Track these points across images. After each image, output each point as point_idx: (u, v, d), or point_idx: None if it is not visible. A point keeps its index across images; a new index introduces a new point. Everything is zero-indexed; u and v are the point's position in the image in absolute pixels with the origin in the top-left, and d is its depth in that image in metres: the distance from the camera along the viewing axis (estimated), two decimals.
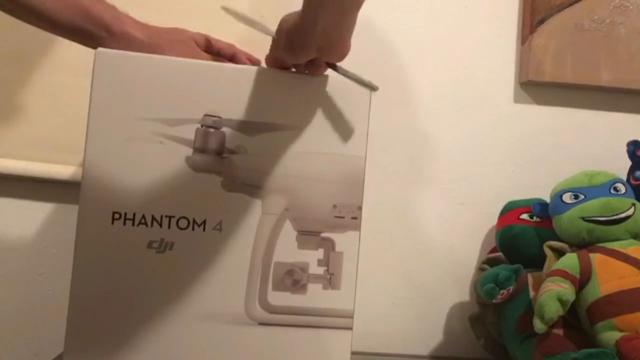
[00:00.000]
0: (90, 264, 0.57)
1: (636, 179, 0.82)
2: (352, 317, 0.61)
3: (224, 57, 0.69)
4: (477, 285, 0.81)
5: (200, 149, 0.59)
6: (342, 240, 0.61)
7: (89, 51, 0.60)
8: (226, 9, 0.59)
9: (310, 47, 0.56)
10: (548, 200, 0.84)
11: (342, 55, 0.58)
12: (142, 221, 0.58)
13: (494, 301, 0.76)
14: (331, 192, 0.60)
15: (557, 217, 0.80)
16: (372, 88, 0.60)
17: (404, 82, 0.95)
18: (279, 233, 0.59)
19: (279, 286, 0.59)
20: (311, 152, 0.60)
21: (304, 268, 0.60)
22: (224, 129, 0.59)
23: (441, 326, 0.94)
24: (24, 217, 0.90)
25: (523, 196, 0.91)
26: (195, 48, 0.67)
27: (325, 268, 0.60)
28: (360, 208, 0.61)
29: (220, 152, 0.59)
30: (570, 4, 0.94)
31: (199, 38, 0.68)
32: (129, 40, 0.62)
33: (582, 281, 0.73)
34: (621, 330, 0.69)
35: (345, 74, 0.60)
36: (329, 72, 0.61)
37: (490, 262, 0.87)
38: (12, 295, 0.89)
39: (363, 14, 0.98)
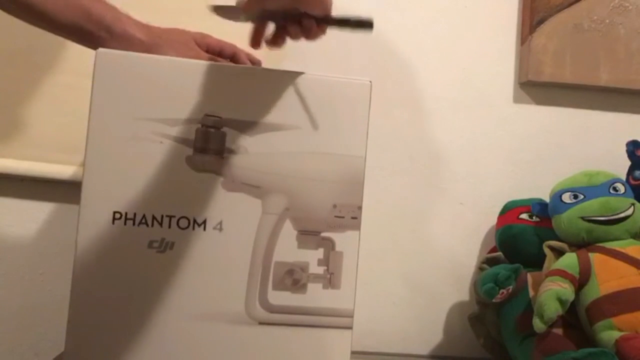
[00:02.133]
0: (91, 263, 0.57)
1: (635, 179, 0.82)
2: (352, 316, 0.61)
3: (224, 57, 0.69)
4: (477, 285, 0.81)
5: (200, 149, 0.59)
6: (342, 240, 0.61)
7: (89, 51, 0.60)
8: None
9: None
10: (547, 200, 0.84)
11: (320, 5, 0.56)
12: (143, 221, 0.58)
13: (493, 301, 0.76)
14: (331, 192, 0.60)
15: (557, 217, 0.80)
16: (369, 24, 0.59)
17: (404, 82, 0.95)
18: (279, 233, 0.59)
19: (279, 286, 0.59)
20: (311, 152, 0.60)
21: (304, 267, 0.60)
22: (224, 129, 0.59)
23: (441, 326, 0.94)
24: (24, 217, 0.90)
25: (523, 196, 0.91)
26: (195, 48, 0.67)
27: (325, 267, 0.60)
28: (360, 208, 0.61)
29: (221, 152, 0.59)
30: (570, 5, 0.94)
31: (199, 38, 0.68)
32: (129, 41, 0.62)
33: (581, 281, 0.73)
34: (621, 330, 0.69)
35: (342, 22, 0.59)
36: (328, 73, 0.61)
37: (490, 261, 0.87)
38: (13, 295, 0.89)
39: (363, 14, 0.98)
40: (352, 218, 0.61)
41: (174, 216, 0.58)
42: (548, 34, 0.94)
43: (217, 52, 0.69)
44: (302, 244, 0.60)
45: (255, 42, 0.61)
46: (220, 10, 0.59)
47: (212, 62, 0.61)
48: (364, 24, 0.60)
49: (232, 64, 0.68)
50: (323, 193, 0.60)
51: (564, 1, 0.94)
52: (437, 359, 0.92)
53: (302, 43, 0.92)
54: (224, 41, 0.70)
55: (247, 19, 0.59)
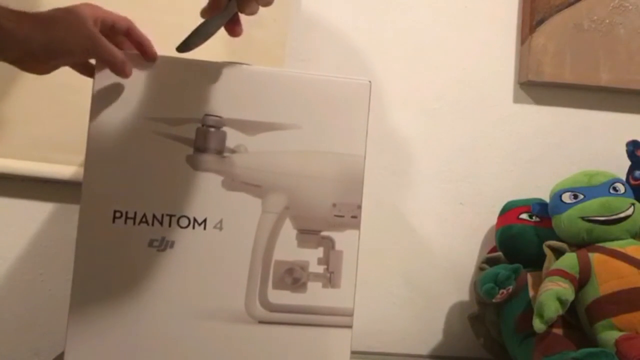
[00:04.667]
0: (91, 263, 0.57)
1: (635, 179, 0.82)
2: (351, 315, 0.61)
3: (117, 32, 0.62)
4: (477, 285, 0.81)
5: (201, 149, 0.59)
6: (342, 239, 0.61)
7: None
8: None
9: None
10: (547, 200, 0.84)
11: None
12: (143, 220, 0.58)
13: (493, 301, 0.77)
14: (331, 191, 0.61)
15: (557, 217, 0.80)
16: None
17: (404, 82, 0.95)
18: (279, 232, 0.60)
19: (279, 284, 0.59)
20: (311, 151, 0.60)
21: (304, 266, 0.60)
22: (225, 129, 0.59)
23: (441, 326, 0.94)
24: (24, 217, 0.90)
25: (523, 196, 0.91)
26: (88, 27, 0.58)
27: (325, 266, 0.60)
28: (359, 207, 0.61)
29: (221, 151, 0.59)
30: (570, 4, 0.94)
31: (91, 12, 0.60)
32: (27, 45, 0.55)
33: (581, 281, 0.73)
34: (620, 330, 0.69)
35: None
36: (328, 73, 0.61)
37: (490, 261, 0.87)
38: (13, 295, 0.89)
39: (363, 14, 0.98)
40: (352, 217, 0.61)
41: (174, 215, 0.58)
42: (548, 34, 0.94)
43: (109, 26, 0.61)
44: (302, 243, 0.60)
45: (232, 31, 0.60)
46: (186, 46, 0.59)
47: (212, 62, 0.61)
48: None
49: (233, 64, 0.68)
50: (323, 192, 0.60)
51: (564, 1, 0.94)
52: (437, 359, 0.92)
53: (302, 43, 0.93)
54: (116, 14, 0.62)
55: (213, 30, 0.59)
